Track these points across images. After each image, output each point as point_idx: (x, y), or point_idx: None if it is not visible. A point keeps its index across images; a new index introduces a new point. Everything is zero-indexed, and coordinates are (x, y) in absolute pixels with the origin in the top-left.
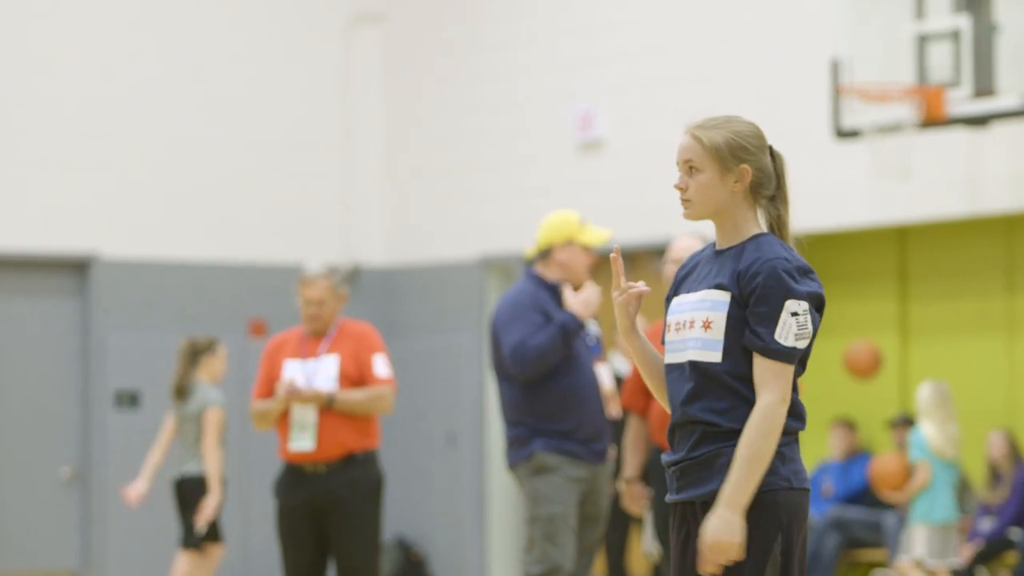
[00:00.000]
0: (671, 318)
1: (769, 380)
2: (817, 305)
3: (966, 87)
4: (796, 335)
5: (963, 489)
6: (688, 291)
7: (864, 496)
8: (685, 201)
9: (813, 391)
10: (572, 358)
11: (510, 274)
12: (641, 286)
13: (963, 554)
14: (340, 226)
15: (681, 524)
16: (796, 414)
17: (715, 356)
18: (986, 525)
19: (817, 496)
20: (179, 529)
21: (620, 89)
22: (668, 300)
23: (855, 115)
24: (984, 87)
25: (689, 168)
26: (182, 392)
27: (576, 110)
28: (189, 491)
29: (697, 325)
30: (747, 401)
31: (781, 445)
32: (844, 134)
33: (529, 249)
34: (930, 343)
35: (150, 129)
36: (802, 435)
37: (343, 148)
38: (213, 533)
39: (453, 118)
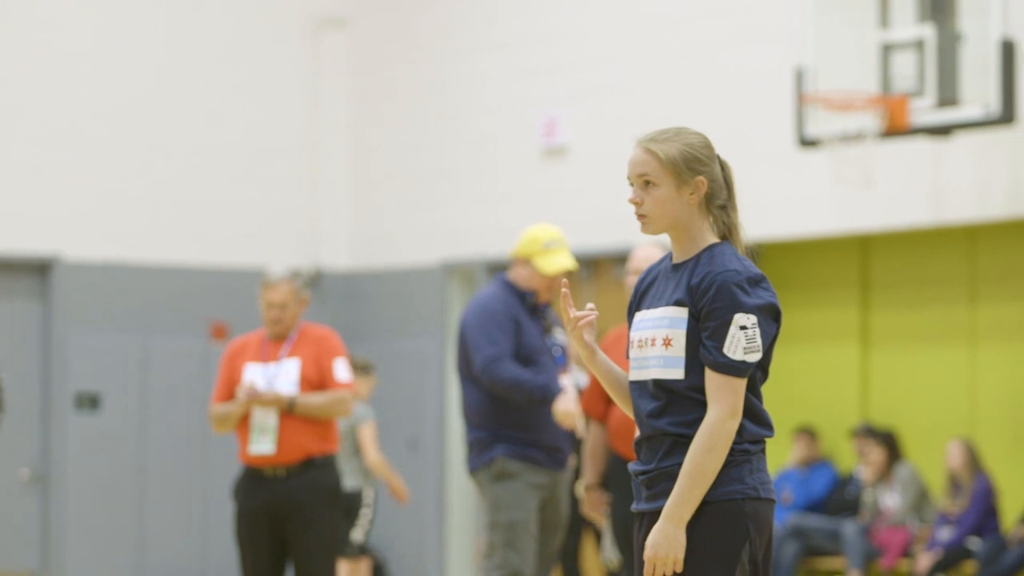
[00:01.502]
0: (634, 335)
1: (718, 394)
2: (771, 316)
3: (930, 97)
4: (745, 348)
5: (922, 498)
6: (649, 307)
7: (824, 505)
8: (641, 216)
9: (774, 399)
10: (537, 367)
11: (473, 280)
12: (590, 313)
13: (922, 563)
14: (304, 230)
15: (647, 533)
16: (762, 421)
17: (678, 373)
18: (945, 534)
19: (776, 504)
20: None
21: (584, 96)
22: (630, 312)
23: (818, 124)
24: (948, 97)
25: (645, 183)
26: None
27: (540, 117)
28: (346, 504)
29: (658, 343)
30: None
31: (750, 455)
32: (807, 143)
33: (509, 253)
34: (891, 352)
35: (115, 133)
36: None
37: (308, 153)
38: (364, 546)
39: (418, 124)
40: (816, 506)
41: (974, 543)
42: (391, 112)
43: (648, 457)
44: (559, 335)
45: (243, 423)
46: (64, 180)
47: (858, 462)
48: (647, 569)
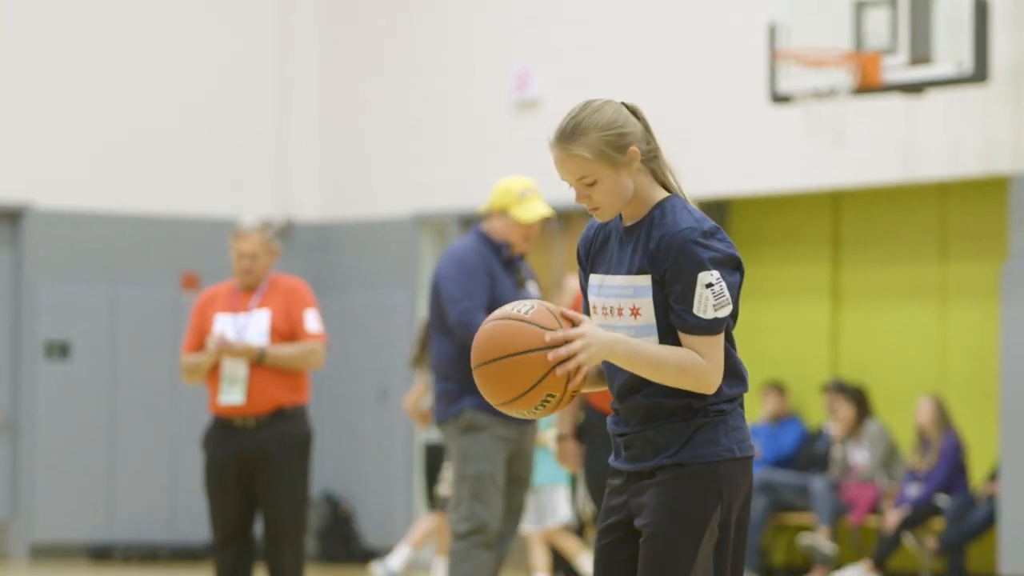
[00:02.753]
0: (595, 300)
1: (701, 352)
2: (732, 266)
3: (903, 54)
4: (715, 305)
5: (891, 455)
6: (608, 272)
7: (792, 460)
8: (595, 210)
9: (744, 354)
10: None
11: (444, 232)
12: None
13: (890, 519)
14: (275, 180)
15: (620, 491)
16: (737, 375)
17: (652, 342)
18: (913, 491)
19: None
20: (425, 492)
21: (557, 50)
22: (583, 269)
23: (791, 80)
24: (921, 54)
25: (586, 184)
26: (418, 361)
27: (513, 70)
28: (436, 457)
29: (625, 312)
30: None
31: (726, 415)
32: (780, 99)
33: (482, 206)
34: (862, 308)
35: (87, 83)
36: None
37: (280, 103)
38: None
39: (390, 75)
40: (785, 461)
41: (942, 500)
42: (363, 63)
43: (625, 420)
44: (533, 288)
45: (213, 373)
46: (36, 129)
47: (827, 418)
48: (574, 344)
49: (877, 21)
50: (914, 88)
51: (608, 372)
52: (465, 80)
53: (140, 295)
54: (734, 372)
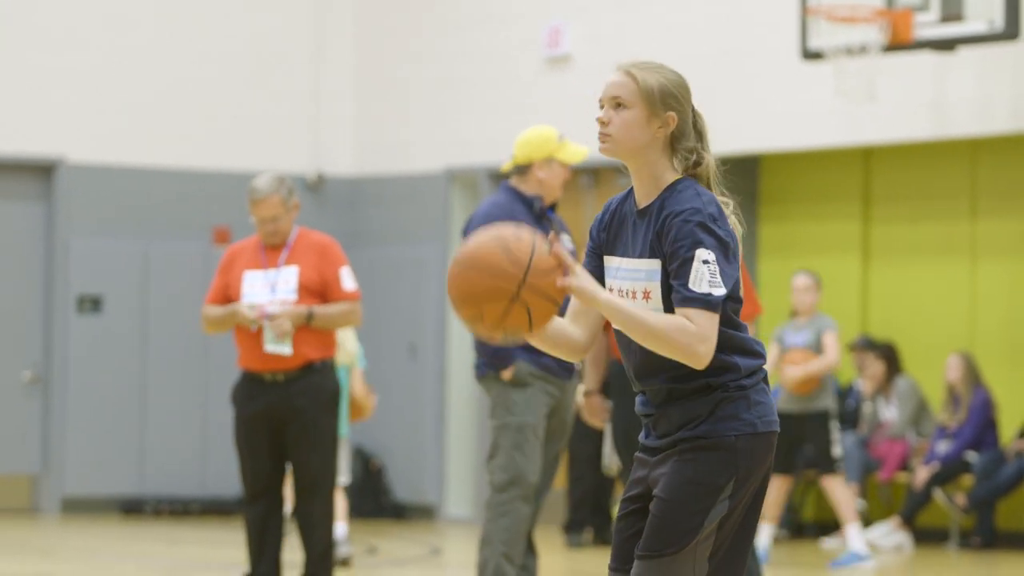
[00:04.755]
0: (611, 282)
1: (692, 322)
2: (729, 254)
3: (934, 11)
4: (710, 282)
5: (921, 411)
6: (623, 254)
7: None
8: (605, 135)
9: (773, 311)
10: None
11: (475, 187)
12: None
13: (919, 475)
14: (307, 136)
15: (644, 464)
16: (752, 351)
17: None
18: (943, 448)
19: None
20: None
21: (588, 6)
22: (596, 249)
23: (822, 37)
24: (952, 12)
25: (616, 104)
26: None
27: (544, 27)
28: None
29: (639, 296)
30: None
31: (746, 390)
32: (811, 55)
33: (506, 164)
34: (892, 265)
35: (120, 37)
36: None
37: (314, 59)
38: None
39: (423, 33)
40: None
41: (972, 456)
42: (396, 20)
43: (651, 401)
44: (567, 241)
45: (240, 329)
46: (69, 84)
47: (857, 375)
48: (567, 267)
49: None
50: (945, 45)
51: (623, 352)
52: (498, 37)
53: (172, 250)
54: (746, 349)
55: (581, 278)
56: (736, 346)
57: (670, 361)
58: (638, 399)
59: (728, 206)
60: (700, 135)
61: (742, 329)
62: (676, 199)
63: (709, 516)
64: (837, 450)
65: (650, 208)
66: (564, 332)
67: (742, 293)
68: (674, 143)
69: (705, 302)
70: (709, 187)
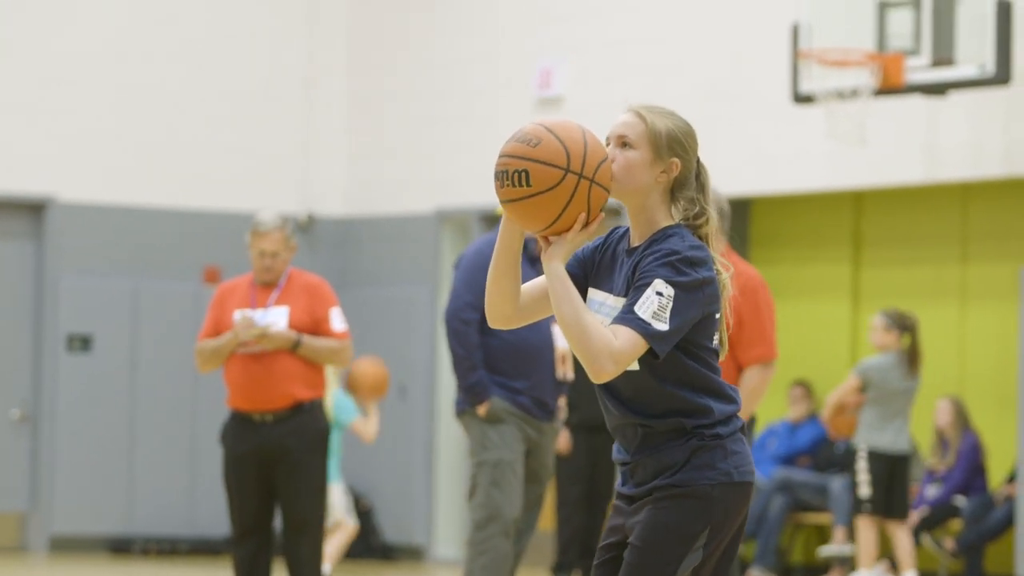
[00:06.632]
0: (593, 310)
1: (616, 337)
2: (694, 294)
3: (925, 55)
4: (655, 313)
5: (911, 456)
6: (608, 289)
7: (812, 460)
8: None
9: None
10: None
11: (466, 228)
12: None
13: (908, 520)
14: (298, 175)
15: (621, 512)
16: (726, 396)
17: (633, 365)
18: (932, 492)
19: (765, 459)
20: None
21: (579, 47)
22: (583, 276)
23: (814, 80)
24: (943, 56)
25: (622, 143)
26: None
27: (536, 67)
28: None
29: None
30: (675, 398)
31: (722, 439)
32: (802, 98)
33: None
34: (882, 309)
35: (112, 75)
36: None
37: (304, 98)
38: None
39: (414, 72)
40: (798, 459)
41: (961, 501)
42: (387, 59)
43: (625, 446)
44: None
45: (229, 369)
46: (60, 121)
47: None
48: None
49: (900, 22)
50: (936, 89)
51: (601, 401)
52: (489, 77)
53: (162, 288)
54: (721, 393)
55: (560, 246)
56: (710, 389)
57: (641, 398)
58: (614, 447)
59: (721, 267)
60: (702, 187)
61: (718, 373)
62: (660, 242)
63: (683, 565)
64: (864, 490)
65: (637, 248)
66: (515, 287)
67: (724, 339)
68: (675, 190)
69: (641, 327)
70: (707, 242)
